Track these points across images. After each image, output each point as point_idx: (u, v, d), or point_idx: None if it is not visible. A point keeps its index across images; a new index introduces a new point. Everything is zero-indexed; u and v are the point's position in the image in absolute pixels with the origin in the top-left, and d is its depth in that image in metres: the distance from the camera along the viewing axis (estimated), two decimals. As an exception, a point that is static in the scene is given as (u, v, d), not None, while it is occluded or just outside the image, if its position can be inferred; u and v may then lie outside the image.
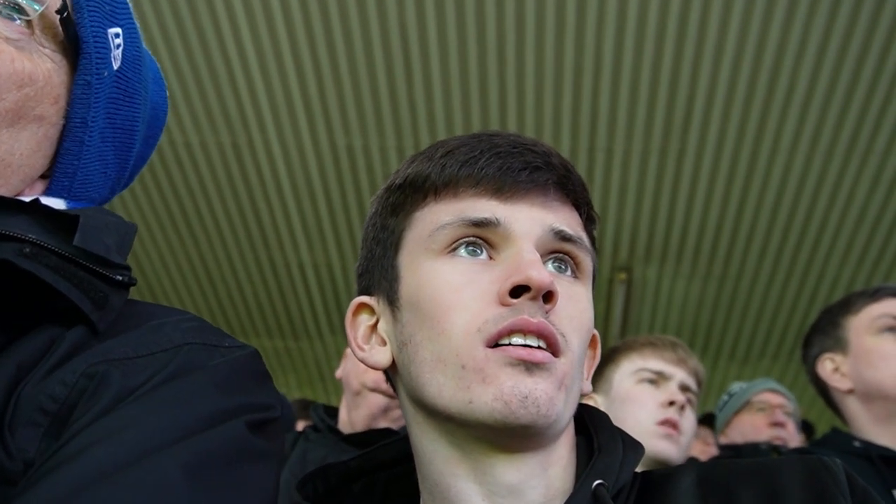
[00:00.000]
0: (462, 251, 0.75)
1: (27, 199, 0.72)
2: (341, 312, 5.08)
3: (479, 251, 0.75)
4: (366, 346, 0.81)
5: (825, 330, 1.73)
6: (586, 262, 0.79)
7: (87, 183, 0.78)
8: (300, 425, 2.84)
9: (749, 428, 2.66)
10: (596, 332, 0.83)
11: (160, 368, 0.65)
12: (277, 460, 0.68)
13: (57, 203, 0.75)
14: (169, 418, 0.61)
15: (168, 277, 5.00)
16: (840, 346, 1.68)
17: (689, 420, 1.71)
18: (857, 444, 1.57)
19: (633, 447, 0.76)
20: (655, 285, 4.79)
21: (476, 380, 0.70)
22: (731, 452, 2.21)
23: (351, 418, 1.77)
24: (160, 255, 4.83)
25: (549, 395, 0.69)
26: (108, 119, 0.78)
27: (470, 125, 3.86)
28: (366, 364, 0.82)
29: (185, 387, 0.64)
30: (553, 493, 0.73)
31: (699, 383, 1.80)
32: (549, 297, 0.72)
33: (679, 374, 1.74)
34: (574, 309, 0.75)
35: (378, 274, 0.82)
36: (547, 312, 0.72)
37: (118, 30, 0.78)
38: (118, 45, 0.78)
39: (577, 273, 0.78)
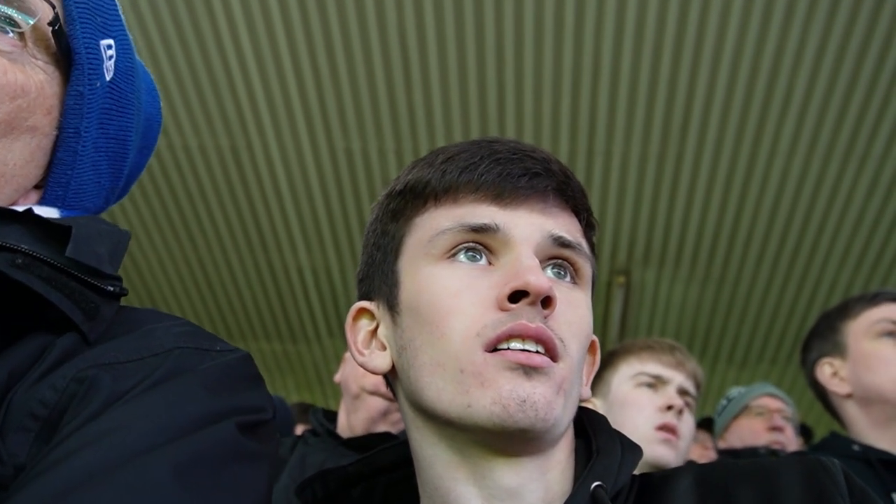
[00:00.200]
0: (461, 256, 0.76)
1: (20, 208, 0.72)
2: (340, 316, 5.08)
3: (478, 257, 0.76)
4: (366, 351, 0.82)
5: (824, 335, 1.73)
6: (585, 268, 0.79)
7: (81, 192, 0.79)
8: (299, 429, 2.84)
9: (748, 432, 2.66)
10: (595, 337, 0.84)
11: (150, 372, 0.65)
12: (270, 462, 0.68)
13: (51, 212, 0.75)
14: (158, 420, 0.61)
15: (167, 281, 4.99)
16: (839, 350, 1.69)
17: (687, 424, 1.71)
18: (856, 447, 1.58)
19: (631, 449, 0.76)
20: (654, 289, 4.79)
21: (475, 384, 0.70)
22: (730, 457, 2.21)
23: (350, 422, 1.77)
24: (159, 259, 4.82)
25: (548, 399, 0.70)
26: (102, 129, 0.79)
27: (468, 128, 3.87)
28: (365, 368, 0.82)
29: (175, 389, 0.64)
30: (552, 495, 0.73)
31: (698, 386, 1.80)
32: (547, 302, 0.72)
33: (677, 378, 1.74)
34: (573, 314, 0.76)
35: (378, 279, 0.82)
36: (545, 318, 0.72)
37: (110, 41, 0.79)
38: (111, 57, 0.79)
39: (575, 279, 0.79)
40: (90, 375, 0.63)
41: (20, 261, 0.65)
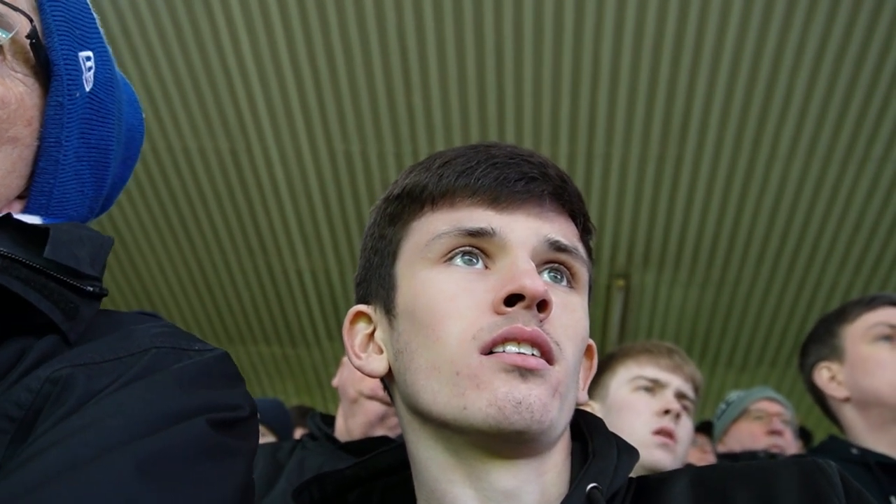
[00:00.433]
0: (458, 260, 0.76)
1: None
2: (339, 319, 5.07)
3: (474, 260, 0.76)
4: (363, 354, 0.82)
5: (821, 339, 1.73)
6: (582, 272, 0.80)
7: (65, 201, 0.80)
8: (298, 432, 2.84)
9: (747, 436, 2.67)
10: (592, 342, 0.84)
11: (125, 371, 0.65)
12: (246, 459, 0.68)
13: (33, 220, 0.76)
14: (129, 418, 0.61)
15: (166, 284, 4.99)
16: (836, 354, 1.69)
17: (684, 428, 1.71)
18: (854, 451, 1.58)
19: (627, 452, 0.77)
20: (653, 292, 4.79)
21: (470, 386, 0.70)
22: (729, 461, 2.21)
23: (348, 426, 1.76)
24: (158, 262, 4.82)
25: (543, 401, 0.70)
26: (83, 138, 0.80)
27: (468, 131, 3.87)
28: (363, 372, 0.82)
29: (148, 387, 0.65)
30: (548, 498, 0.73)
31: (696, 390, 1.79)
32: (543, 305, 0.73)
33: (675, 382, 1.73)
34: (569, 318, 0.76)
35: (376, 283, 0.83)
36: (541, 321, 0.73)
37: (89, 53, 0.80)
38: (90, 68, 0.80)
39: (572, 283, 0.79)
40: (65, 375, 0.63)
41: None
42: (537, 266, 0.75)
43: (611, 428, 0.81)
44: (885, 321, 1.63)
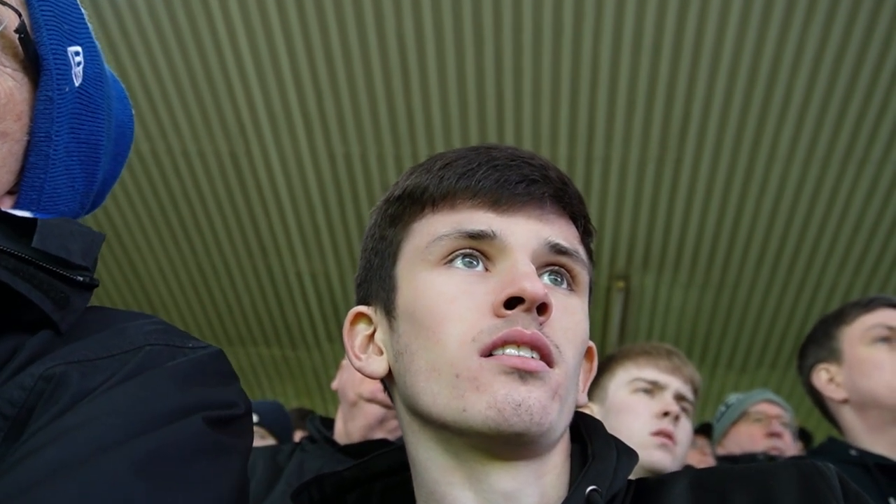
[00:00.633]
0: (458, 263, 0.76)
1: None
2: (339, 321, 5.07)
3: (475, 263, 0.76)
4: (363, 356, 0.82)
5: (819, 341, 1.74)
6: (582, 274, 0.79)
7: (55, 197, 0.80)
8: (298, 435, 2.84)
9: (746, 439, 2.66)
10: (592, 344, 0.84)
11: (119, 368, 0.65)
12: (242, 457, 0.68)
13: (23, 214, 0.76)
14: (124, 416, 0.61)
15: (166, 286, 4.99)
16: (834, 356, 1.69)
17: (684, 430, 1.70)
18: (853, 452, 1.58)
19: (627, 454, 0.77)
20: (653, 293, 4.79)
21: (470, 388, 0.70)
22: (728, 463, 2.21)
23: (347, 429, 1.76)
24: (158, 264, 4.82)
25: (543, 403, 0.70)
26: (72, 133, 0.80)
27: (467, 134, 3.87)
28: (362, 373, 0.82)
29: (143, 385, 0.64)
30: (547, 500, 0.73)
31: (695, 391, 1.79)
32: (543, 308, 0.72)
33: (674, 384, 1.73)
34: (569, 321, 0.76)
35: (376, 284, 0.83)
36: (541, 324, 0.73)
37: (78, 48, 0.80)
38: (79, 63, 0.80)
39: (572, 286, 0.79)
40: (58, 372, 0.63)
41: None
42: (537, 268, 0.75)
43: (610, 430, 0.81)
44: (883, 323, 1.64)
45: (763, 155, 3.89)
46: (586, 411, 0.91)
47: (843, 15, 3.30)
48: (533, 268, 0.74)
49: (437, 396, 0.72)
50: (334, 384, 1.88)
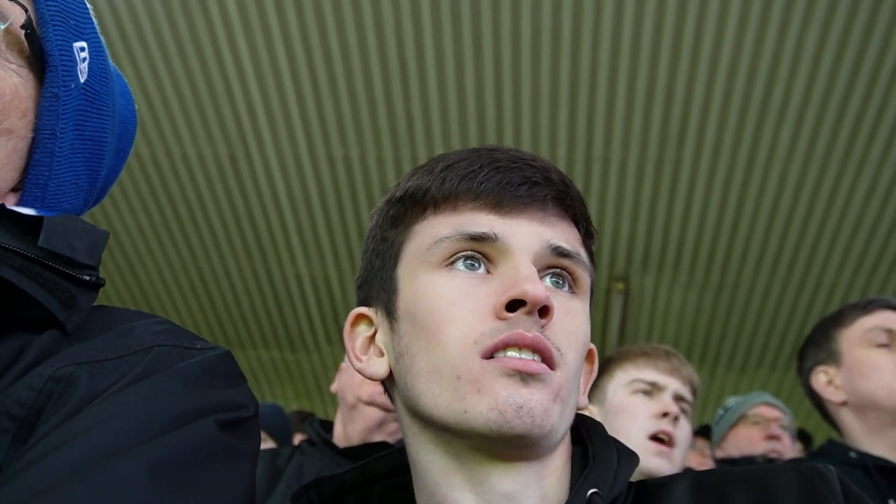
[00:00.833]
0: (460, 265, 0.76)
1: None
2: (339, 324, 5.07)
3: (476, 265, 0.76)
4: (363, 357, 0.82)
5: (818, 343, 1.73)
6: (583, 277, 0.79)
7: (60, 193, 0.79)
8: (297, 438, 2.83)
9: (745, 441, 2.66)
10: (593, 346, 0.84)
11: (129, 370, 0.65)
12: (251, 459, 0.68)
13: (28, 212, 0.75)
14: (135, 419, 0.61)
15: (165, 289, 4.99)
16: (833, 358, 1.69)
17: (683, 430, 1.70)
18: (852, 454, 1.58)
19: (628, 456, 0.76)
20: (653, 295, 4.78)
21: (471, 390, 0.70)
22: (728, 466, 2.21)
23: (346, 432, 1.76)
24: (157, 267, 4.82)
25: (545, 405, 0.70)
26: (77, 130, 0.79)
27: (466, 136, 3.87)
28: (363, 374, 0.82)
29: (153, 387, 0.64)
30: (548, 503, 0.73)
31: (694, 392, 1.79)
32: (544, 311, 0.72)
33: (673, 385, 1.73)
34: (570, 324, 0.76)
35: (377, 285, 0.82)
36: (543, 327, 0.72)
37: (83, 44, 0.79)
38: (84, 59, 0.79)
39: (574, 288, 0.79)
40: (67, 374, 0.63)
41: None
42: (539, 271, 0.75)
43: (609, 431, 0.81)
44: (882, 325, 1.63)
45: (762, 155, 3.89)
46: (585, 413, 0.91)
47: (842, 14, 3.30)
48: (535, 270, 0.74)
49: (439, 398, 0.72)
50: (333, 387, 1.87)
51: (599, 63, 3.52)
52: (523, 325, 0.71)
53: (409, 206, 0.81)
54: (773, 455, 2.46)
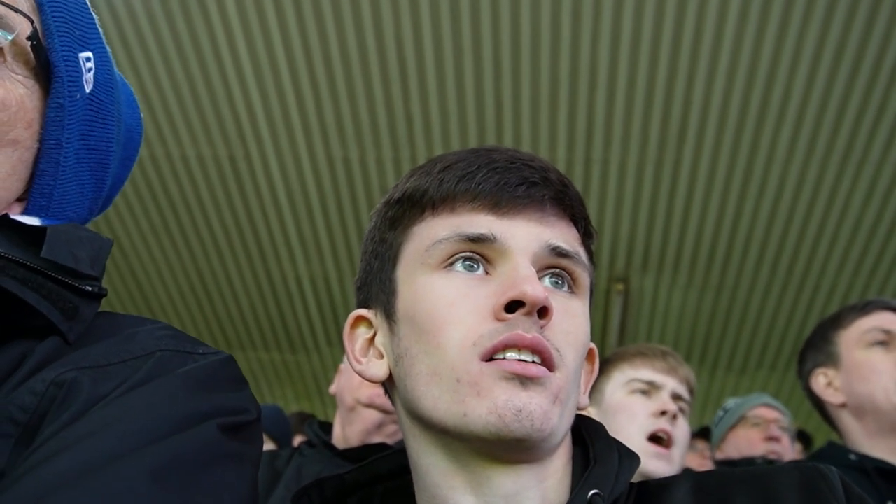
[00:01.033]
0: (459, 266, 0.76)
1: None
2: (338, 325, 5.07)
3: (475, 266, 0.76)
4: (363, 359, 0.82)
5: (817, 345, 1.74)
6: (583, 277, 0.79)
7: (65, 203, 0.79)
8: (298, 439, 2.83)
9: (744, 443, 2.66)
10: (594, 345, 0.83)
11: (131, 374, 0.65)
12: (253, 463, 0.68)
13: (32, 221, 0.75)
14: (137, 423, 0.61)
15: (165, 290, 4.99)
16: (832, 360, 1.69)
17: (681, 429, 1.70)
18: (852, 457, 1.58)
19: (629, 457, 0.76)
20: (652, 296, 4.78)
21: (471, 393, 0.70)
22: (727, 467, 2.21)
23: (345, 434, 1.76)
24: (157, 269, 4.82)
25: (544, 409, 0.69)
26: (83, 140, 0.79)
27: (466, 137, 3.87)
28: (363, 377, 0.82)
29: (156, 392, 0.64)
30: None
31: (691, 391, 1.79)
32: (543, 312, 0.72)
33: (670, 383, 1.73)
34: (570, 324, 0.75)
35: (376, 287, 0.82)
36: (542, 328, 0.72)
37: (89, 54, 0.80)
38: (90, 69, 0.79)
39: (573, 288, 0.78)
40: (69, 379, 0.63)
41: None
42: (538, 271, 0.75)
43: (607, 430, 0.81)
44: (880, 326, 1.64)
45: (761, 156, 3.89)
46: (585, 413, 0.91)
47: (841, 15, 3.30)
48: (533, 271, 0.73)
49: (438, 401, 0.72)
50: (332, 388, 1.87)
51: (599, 62, 3.52)
52: (522, 327, 0.71)
53: (407, 208, 0.81)
54: (772, 456, 2.46)
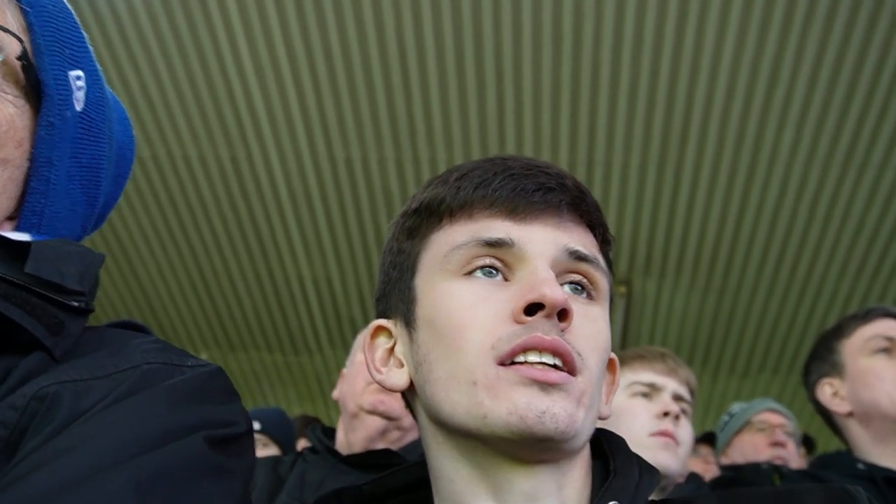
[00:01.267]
0: (478, 273, 0.76)
1: None
2: (341, 326, 5.07)
3: (494, 273, 0.76)
4: (383, 369, 0.82)
5: (821, 356, 1.74)
6: (602, 282, 0.79)
7: (56, 220, 0.79)
8: (302, 443, 2.82)
9: (750, 448, 2.65)
10: (614, 356, 0.83)
11: (115, 388, 0.64)
12: (242, 478, 0.67)
13: (21, 237, 0.75)
14: (121, 436, 0.60)
15: (167, 291, 4.99)
16: (836, 370, 1.69)
17: (684, 429, 1.69)
18: (861, 466, 1.57)
19: (649, 472, 0.75)
20: (655, 298, 4.78)
21: (488, 396, 0.70)
22: (733, 472, 2.20)
23: (349, 440, 1.74)
24: (159, 270, 4.82)
25: (569, 412, 0.69)
26: (74, 158, 0.79)
27: (468, 138, 3.87)
28: (383, 386, 0.81)
29: (139, 405, 0.63)
30: None
31: (692, 392, 1.78)
32: (563, 315, 0.72)
33: (671, 385, 1.72)
34: (591, 328, 0.75)
35: (395, 297, 0.82)
36: (562, 331, 0.72)
37: (80, 72, 0.80)
38: (80, 88, 0.79)
39: (592, 294, 0.78)
40: (51, 392, 0.62)
41: None
42: (557, 276, 0.75)
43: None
44: (882, 333, 1.64)
45: (764, 158, 3.88)
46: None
47: (843, 16, 3.29)
48: (552, 274, 0.73)
49: (457, 406, 0.72)
50: (335, 393, 1.86)
51: (601, 63, 3.51)
52: (542, 329, 0.70)
53: (424, 217, 0.81)
54: (778, 462, 2.45)
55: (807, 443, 3.33)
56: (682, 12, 3.31)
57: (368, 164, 4.08)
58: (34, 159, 0.76)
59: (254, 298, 4.99)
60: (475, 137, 3.87)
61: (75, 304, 0.70)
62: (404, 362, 0.80)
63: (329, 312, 5.07)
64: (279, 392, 5.82)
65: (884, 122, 3.68)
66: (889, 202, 4.06)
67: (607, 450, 0.78)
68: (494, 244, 0.75)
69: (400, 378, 0.79)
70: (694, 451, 2.89)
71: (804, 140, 3.78)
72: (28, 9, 0.76)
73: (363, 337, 1.76)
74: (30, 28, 0.76)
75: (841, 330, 1.72)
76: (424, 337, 0.77)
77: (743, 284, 4.61)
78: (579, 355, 0.72)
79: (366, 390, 1.69)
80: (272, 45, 3.55)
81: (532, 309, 0.71)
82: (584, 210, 0.80)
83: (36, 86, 0.75)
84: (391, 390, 0.82)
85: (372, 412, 1.68)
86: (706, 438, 3.15)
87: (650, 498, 0.75)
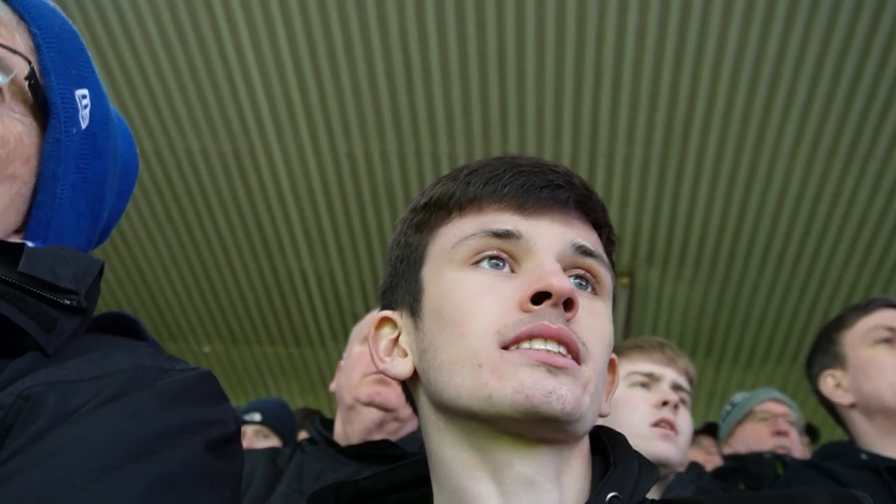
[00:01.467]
0: (485, 264, 0.77)
1: None
2: (343, 319, 5.08)
3: (501, 264, 0.77)
4: (387, 359, 0.83)
5: (823, 348, 1.74)
6: (606, 278, 0.80)
7: (62, 234, 0.81)
8: (303, 434, 2.82)
9: (752, 437, 2.65)
10: (615, 356, 0.84)
11: (102, 390, 0.64)
12: (234, 482, 0.68)
13: (13, 240, 0.76)
14: (112, 437, 0.60)
15: (170, 285, 5.00)
16: (839, 361, 1.69)
17: (684, 419, 1.69)
18: (863, 456, 1.58)
19: (648, 468, 0.76)
20: (658, 290, 4.78)
21: (493, 377, 0.71)
22: (735, 462, 2.20)
23: (346, 432, 1.74)
24: (162, 264, 4.83)
25: (576, 395, 0.70)
26: (79, 173, 0.81)
27: (471, 131, 3.86)
28: (387, 375, 0.83)
29: (126, 407, 0.64)
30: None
31: (691, 382, 1.78)
32: (569, 304, 0.73)
33: (669, 374, 1.72)
34: (595, 321, 0.77)
35: (402, 289, 0.84)
36: (568, 321, 0.73)
37: (85, 91, 0.83)
38: (86, 106, 0.82)
39: (596, 289, 0.80)
40: (36, 392, 0.62)
41: None
42: (563, 270, 0.76)
43: (609, 426, 0.82)
44: (883, 324, 1.64)
45: (767, 149, 3.87)
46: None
47: (847, 13, 3.28)
48: (559, 266, 0.75)
49: (461, 388, 0.73)
50: (332, 386, 1.86)
51: (604, 56, 3.50)
52: (548, 318, 0.72)
53: (433, 212, 0.83)
54: (781, 451, 2.45)
55: (810, 432, 3.32)
56: (686, 3, 3.30)
57: (371, 157, 4.07)
58: (41, 174, 0.78)
59: (256, 291, 5.00)
60: (478, 130, 3.86)
61: (67, 301, 0.71)
62: (408, 351, 0.81)
63: (331, 305, 5.08)
64: (282, 384, 5.84)
65: (888, 115, 3.67)
66: (893, 193, 4.05)
67: (607, 444, 0.79)
68: (502, 235, 0.77)
69: (404, 367, 0.80)
70: (696, 442, 2.88)
71: (807, 131, 3.77)
72: (36, 31, 0.79)
73: (359, 329, 1.74)
74: (38, 49, 0.79)
75: (842, 321, 1.72)
76: (430, 325, 0.78)
77: (746, 274, 4.61)
78: (584, 345, 0.73)
79: (362, 382, 1.69)
80: (274, 37, 3.55)
81: (539, 298, 0.73)
82: (591, 209, 0.81)
83: (43, 104, 0.78)
84: (394, 379, 0.83)
85: (369, 404, 1.68)
86: (708, 429, 3.15)
87: (651, 497, 0.75)
